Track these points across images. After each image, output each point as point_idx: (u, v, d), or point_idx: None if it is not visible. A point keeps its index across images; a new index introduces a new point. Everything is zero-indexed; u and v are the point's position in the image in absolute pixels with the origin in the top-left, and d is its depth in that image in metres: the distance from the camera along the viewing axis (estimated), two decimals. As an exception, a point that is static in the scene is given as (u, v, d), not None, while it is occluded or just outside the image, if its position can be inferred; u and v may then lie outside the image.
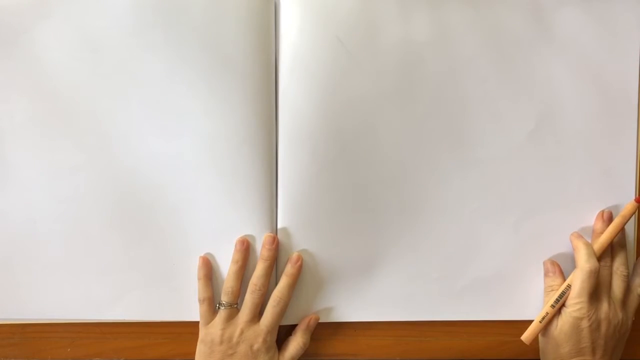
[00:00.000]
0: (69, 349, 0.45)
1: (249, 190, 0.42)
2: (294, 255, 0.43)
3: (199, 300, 0.43)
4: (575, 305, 0.41)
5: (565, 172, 0.44)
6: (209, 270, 0.43)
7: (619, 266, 0.43)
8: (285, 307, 0.43)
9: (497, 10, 0.44)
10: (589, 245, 0.42)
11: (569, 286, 0.42)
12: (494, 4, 0.44)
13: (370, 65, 0.43)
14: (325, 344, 0.45)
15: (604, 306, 0.41)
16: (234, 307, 0.42)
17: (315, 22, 0.42)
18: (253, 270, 0.43)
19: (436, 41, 0.43)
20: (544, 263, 0.44)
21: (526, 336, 0.43)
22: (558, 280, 0.43)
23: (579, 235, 0.44)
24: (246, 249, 0.43)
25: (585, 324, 0.41)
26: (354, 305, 0.44)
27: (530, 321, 0.43)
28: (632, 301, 0.43)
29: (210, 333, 0.42)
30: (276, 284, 0.43)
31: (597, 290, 0.42)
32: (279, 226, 0.43)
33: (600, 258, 0.42)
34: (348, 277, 0.44)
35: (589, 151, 0.44)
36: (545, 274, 0.44)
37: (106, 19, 0.42)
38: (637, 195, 0.44)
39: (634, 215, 0.44)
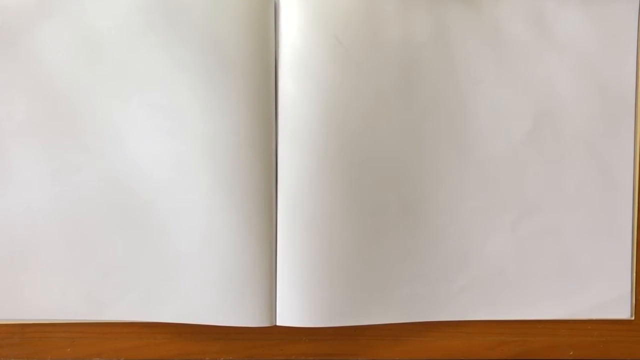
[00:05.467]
0: (69, 349, 0.45)
1: (248, 191, 0.42)
2: None
3: None
4: None
5: (563, 171, 0.44)
6: None
7: None
8: None
9: (496, 11, 0.44)
10: None
11: None
12: (493, 4, 0.44)
13: (370, 65, 0.43)
14: (325, 344, 0.45)
15: None
16: None
17: (315, 22, 0.42)
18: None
19: (436, 41, 0.43)
20: None
21: None
22: None
23: None
24: None
25: None
26: (353, 307, 0.44)
27: (530, 321, 0.43)
28: None
29: None
30: (276, 283, 0.43)
31: None
32: (279, 226, 0.43)
33: None
34: (348, 277, 0.44)
35: (587, 151, 0.44)
36: None
37: (106, 19, 0.42)
38: None
39: (633, 216, 0.44)
